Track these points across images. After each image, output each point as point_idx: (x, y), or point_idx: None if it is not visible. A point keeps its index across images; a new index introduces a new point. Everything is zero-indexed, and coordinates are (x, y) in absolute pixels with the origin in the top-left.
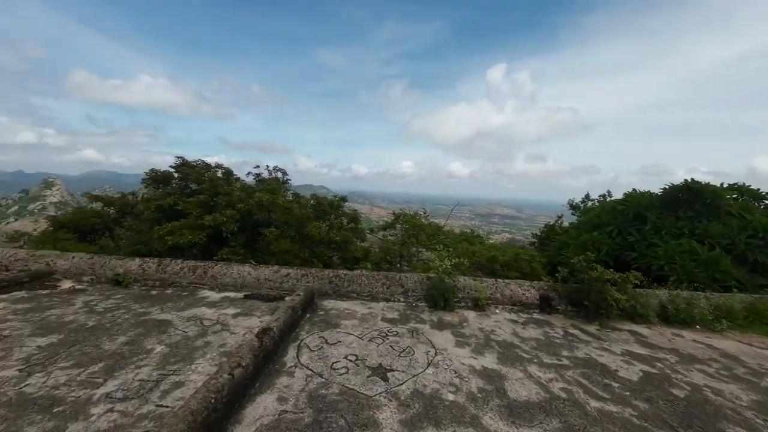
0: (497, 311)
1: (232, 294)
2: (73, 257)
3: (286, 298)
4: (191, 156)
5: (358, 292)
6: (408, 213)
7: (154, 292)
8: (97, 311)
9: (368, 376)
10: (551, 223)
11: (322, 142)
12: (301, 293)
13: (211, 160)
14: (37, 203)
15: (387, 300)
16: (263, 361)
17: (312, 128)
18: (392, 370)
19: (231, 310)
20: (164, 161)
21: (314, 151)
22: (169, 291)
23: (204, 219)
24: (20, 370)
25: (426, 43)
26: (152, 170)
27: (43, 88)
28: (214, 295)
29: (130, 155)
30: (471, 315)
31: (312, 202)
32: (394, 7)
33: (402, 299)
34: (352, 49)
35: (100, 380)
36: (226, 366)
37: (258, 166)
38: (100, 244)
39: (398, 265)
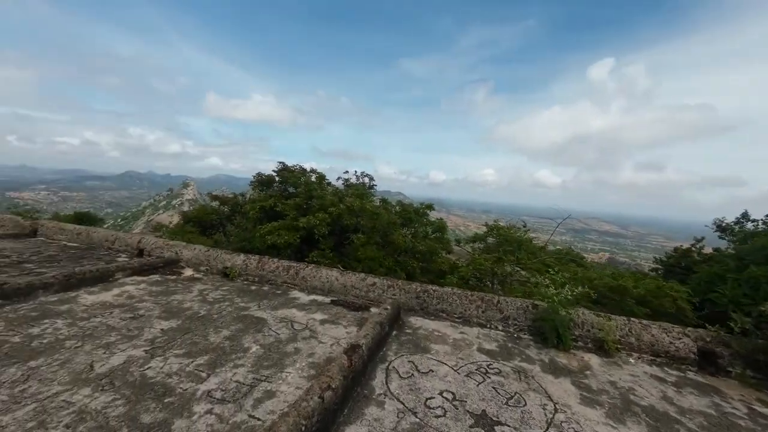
0: (632, 361)
1: (319, 298)
2: (195, 249)
3: (372, 309)
4: (288, 162)
5: (448, 312)
6: (503, 225)
7: (253, 288)
8: (208, 301)
9: (471, 426)
10: (685, 246)
11: (402, 150)
12: (388, 307)
13: (305, 166)
14: (177, 200)
15: (482, 325)
16: (352, 383)
17: (393, 136)
18: (500, 424)
19: (319, 316)
20: (267, 167)
21: (394, 158)
22: (265, 288)
23: (299, 221)
24: (146, 351)
25: (513, 45)
26: (258, 174)
27: (187, 108)
28: (303, 297)
29: (243, 162)
30: (594, 361)
31: (397, 208)
32: (479, 11)
33: (500, 327)
34: (435, 58)
35: (204, 374)
36: (316, 387)
37: (347, 172)
38: (215, 239)
39: (490, 284)
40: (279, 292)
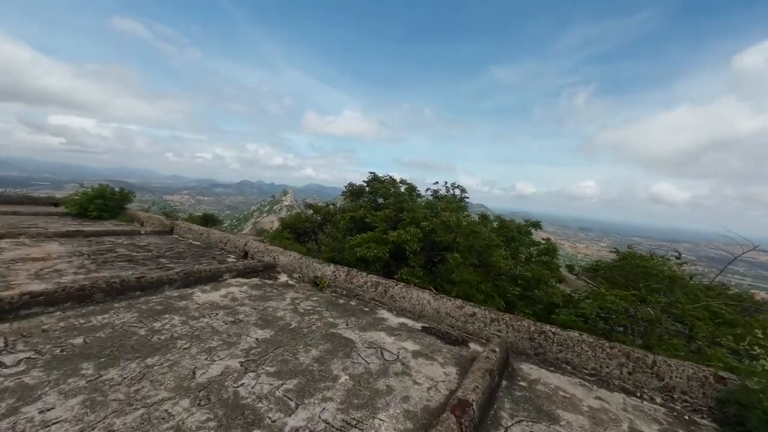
0: None
1: (409, 322)
2: (290, 255)
3: (471, 346)
4: (373, 173)
5: (575, 364)
6: (641, 254)
7: (341, 301)
8: (299, 311)
9: None
10: None
11: (485, 160)
12: (496, 349)
13: (394, 176)
14: (278, 205)
15: (628, 392)
16: None
17: (476, 146)
18: None
19: (410, 345)
20: (353, 177)
21: (476, 168)
22: (353, 303)
23: (388, 234)
24: (241, 364)
25: (622, 41)
26: (349, 184)
27: (290, 125)
28: (392, 319)
29: (332, 172)
30: None
31: (494, 224)
32: (583, 8)
33: (659, 399)
34: (526, 63)
35: (293, 404)
36: None
37: (437, 182)
38: (307, 247)
39: (626, 332)
40: (366, 309)
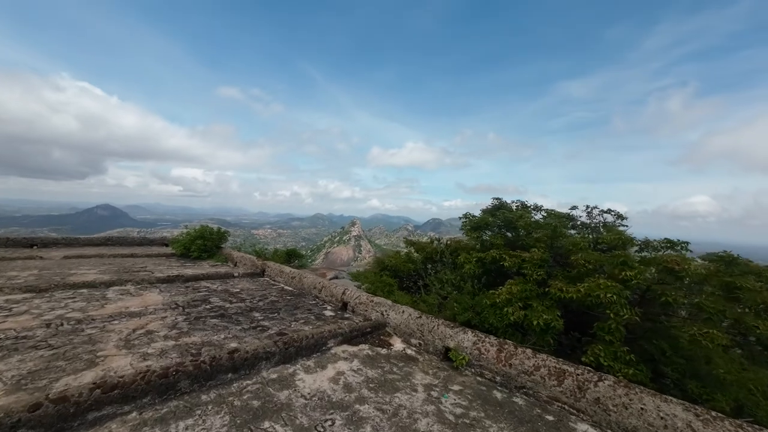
0: None
1: None
2: (403, 312)
3: None
4: (435, 201)
5: None
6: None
7: (498, 395)
8: (446, 419)
9: None
10: None
11: (560, 180)
12: None
13: (449, 203)
14: (347, 235)
15: None
16: None
17: (548, 167)
18: None
19: None
20: (417, 206)
21: (550, 190)
22: (519, 401)
23: (564, 290)
24: None
25: (726, 32)
26: (467, 215)
27: (356, 161)
28: None
29: (396, 202)
30: None
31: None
32: (670, 6)
33: None
34: (603, 73)
35: None
36: None
37: (574, 207)
38: (422, 299)
39: None
40: (551, 419)
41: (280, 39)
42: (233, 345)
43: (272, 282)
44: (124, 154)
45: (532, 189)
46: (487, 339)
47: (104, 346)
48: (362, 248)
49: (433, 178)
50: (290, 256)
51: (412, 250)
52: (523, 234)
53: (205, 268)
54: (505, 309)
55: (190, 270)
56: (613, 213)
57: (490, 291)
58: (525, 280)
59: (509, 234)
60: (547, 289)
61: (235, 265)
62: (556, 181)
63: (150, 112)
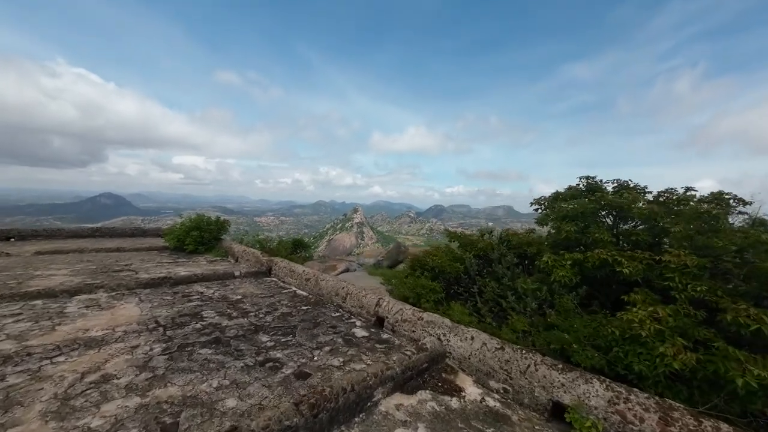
0: None
1: None
2: (472, 339)
3: None
4: (437, 187)
5: None
6: None
7: None
8: None
9: None
10: None
11: (564, 165)
12: None
13: (451, 190)
14: (349, 222)
15: None
16: None
17: (551, 152)
18: None
19: None
20: (419, 192)
21: (553, 175)
22: None
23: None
24: None
25: (737, 9)
26: (541, 199)
27: (357, 147)
28: None
29: (397, 188)
30: None
31: None
32: None
33: None
34: (608, 55)
35: None
36: None
37: (688, 189)
38: (488, 321)
39: None
40: None
41: (277, 20)
42: (230, 404)
43: (281, 284)
44: (124, 142)
45: (535, 174)
46: (634, 397)
47: (22, 415)
48: (365, 235)
49: (434, 164)
50: (296, 247)
51: (456, 245)
52: (641, 226)
53: (201, 265)
54: (658, 347)
55: (182, 269)
56: (734, 198)
57: (620, 314)
58: (656, 297)
59: (624, 225)
60: (720, 316)
61: (237, 261)
62: (558, 166)
63: (148, 97)
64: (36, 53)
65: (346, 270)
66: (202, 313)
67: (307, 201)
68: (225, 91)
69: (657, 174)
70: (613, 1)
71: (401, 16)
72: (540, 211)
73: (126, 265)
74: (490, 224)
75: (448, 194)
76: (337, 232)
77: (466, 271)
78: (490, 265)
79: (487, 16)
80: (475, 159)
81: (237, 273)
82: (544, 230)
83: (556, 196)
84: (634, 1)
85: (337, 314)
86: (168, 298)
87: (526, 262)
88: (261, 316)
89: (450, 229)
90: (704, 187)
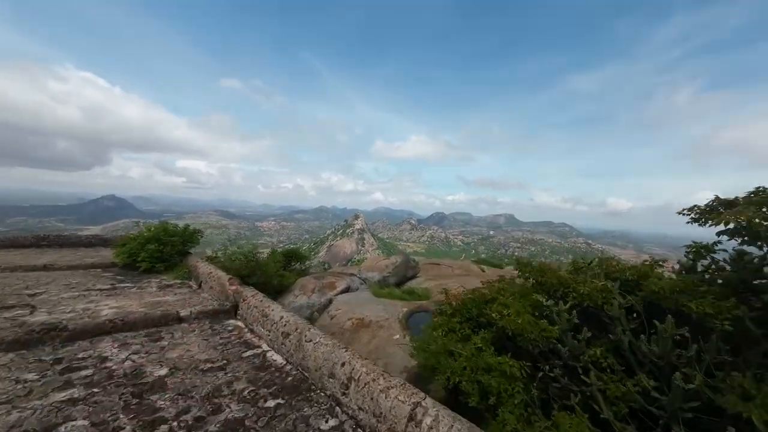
0: None
1: None
2: None
3: None
4: (438, 195)
5: None
6: None
7: None
8: None
9: None
10: None
11: (565, 175)
12: None
13: (452, 197)
14: (350, 229)
15: None
16: None
17: (552, 161)
18: None
19: None
20: (420, 199)
21: (554, 184)
22: None
23: None
24: None
25: (736, 25)
26: (708, 206)
27: (359, 154)
28: None
29: (398, 195)
30: None
31: None
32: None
33: None
34: (610, 67)
35: None
36: None
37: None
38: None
39: None
40: None
41: (283, 28)
42: None
43: (247, 338)
44: (128, 145)
45: (536, 183)
46: None
47: None
48: (365, 242)
49: (436, 171)
50: (289, 259)
51: (529, 283)
52: None
53: (145, 294)
54: None
55: (112, 301)
56: None
57: None
58: None
59: None
60: None
61: (200, 286)
62: (559, 176)
63: (153, 103)
64: (44, 57)
65: (347, 289)
66: (72, 421)
67: (309, 206)
68: (229, 97)
69: (657, 185)
70: (615, 14)
71: (405, 27)
72: (702, 222)
73: (32, 294)
74: (491, 233)
75: (449, 202)
76: (338, 238)
77: (561, 339)
78: (602, 327)
79: (491, 27)
80: (475, 167)
81: (185, 313)
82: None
83: (730, 203)
84: (636, 15)
85: (334, 423)
86: (32, 376)
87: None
88: (185, 424)
89: (450, 236)
90: (705, 198)
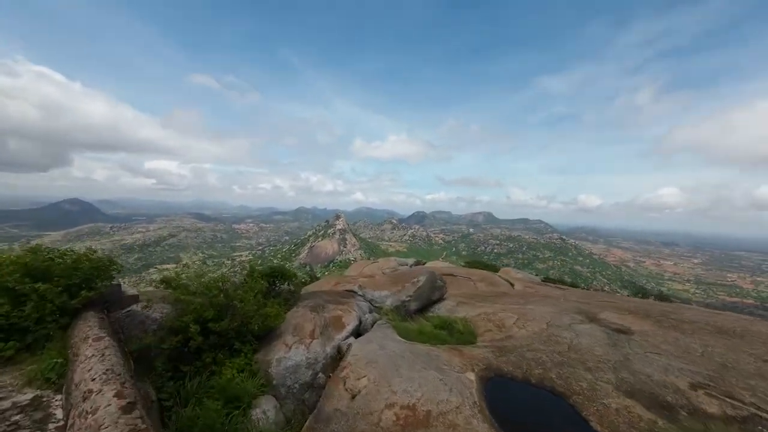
0: None
1: None
2: None
3: None
4: (418, 194)
5: None
6: None
7: None
8: None
9: None
10: None
11: (539, 172)
12: None
13: (432, 197)
14: (331, 229)
15: None
16: None
17: (526, 160)
18: None
19: None
20: (401, 199)
21: (529, 182)
22: None
23: None
24: None
25: (694, 32)
26: None
27: (339, 153)
28: None
29: (379, 195)
30: None
31: None
32: (646, 4)
33: None
34: (580, 69)
35: None
36: None
37: None
38: None
39: None
40: None
41: (259, 24)
42: None
43: None
44: (91, 145)
45: (512, 181)
46: None
47: None
48: (347, 242)
49: (415, 171)
50: (273, 280)
51: None
52: None
53: None
54: None
55: None
56: None
57: None
58: None
59: None
60: None
61: (68, 413)
62: (533, 173)
63: (119, 100)
64: None
65: (358, 326)
66: None
67: (289, 207)
68: (201, 95)
69: (624, 181)
70: (587, 16)
71: (386, 23)
72: None
73: None
74: (471, 230)
75: (429, 201)
76: (319, 239)
77: None
78: None
79: (466, 23)
80: (454, 166)
81: None
82: None
83: None
84: (605, 18)
85: None
86: None
87: None
88: None
89: (431, 234)
90: (667, 193)
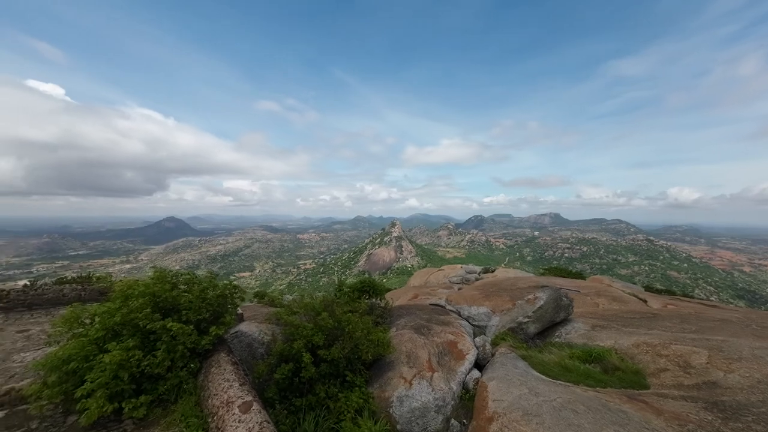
0: None
1: None
2: None
3: None
4: (474, 198)
5: None
6: None
7: None
8: None
9: None
10: None
11: (612, 167)
12: None
13: (489, 199)
14: (387, 236)
15: None
16: None
17: (596, 154)
18: None
19: None
20: (456, 203)
21: (602, 179)
22: None
23: None
24: None
25: None
26: None
27: (392, 162)
28: None
29: (434, 200)
30: None
31: None
32: None
33: None
34: (659, 47)
35: None
36: None
37: None
38: None
39: None
40: None
41: (313, 47)
42: None
43: None
44: (182, 171)
45: (582, 178)
46: None
47: None
48: (403, 249)
49: (470, 174)
50: (360, 294)
51: None
52: None
53: None
54: None
55: None
56: None
57: None
58: None
59: None
60: None
61: None
62: (606, 169)
63: (202, 130)
64: (111, 99)
65: (477, 355)
66: None
67: (347, 216)
68: (266, 118)
69: (725, 170)
70: None
71: (432, 33)
72: None
73: None
74: (536, 234)
75: (486, 204)
76: (376, 247)
77: None
78: None
79: (519, 22)
80: (512, 167)
81: None
82: None
83: None
84: None
85: None
86: None
87: None
88: None
89: (491, 239)
90: None
